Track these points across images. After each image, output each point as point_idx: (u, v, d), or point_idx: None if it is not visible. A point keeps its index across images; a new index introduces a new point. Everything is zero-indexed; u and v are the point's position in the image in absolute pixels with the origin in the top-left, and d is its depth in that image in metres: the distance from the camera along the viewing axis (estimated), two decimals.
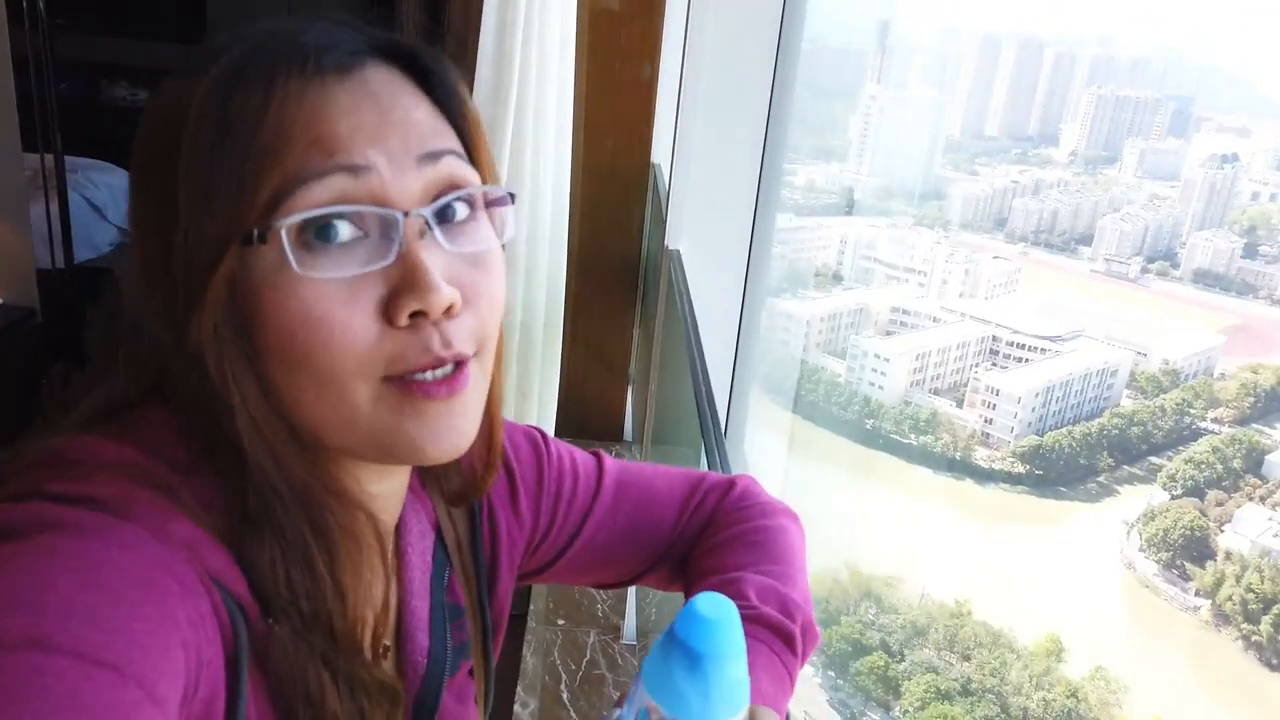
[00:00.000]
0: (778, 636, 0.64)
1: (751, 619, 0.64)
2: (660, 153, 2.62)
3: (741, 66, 1.81)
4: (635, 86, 2.59)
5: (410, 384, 0.49)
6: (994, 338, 10.26)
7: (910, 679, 9.02)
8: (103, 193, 3.94)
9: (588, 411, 2.81)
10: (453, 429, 0.51)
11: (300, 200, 0.47)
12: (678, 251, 1.87)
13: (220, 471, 0.49)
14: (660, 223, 2.10)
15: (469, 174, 0.52)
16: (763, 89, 1.80)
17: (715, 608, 0.48)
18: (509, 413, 2.31)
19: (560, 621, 2.07)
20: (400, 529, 0.64)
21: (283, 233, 0.46)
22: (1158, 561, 9.07)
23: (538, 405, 2.31)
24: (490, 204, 0.54)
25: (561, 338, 2.30)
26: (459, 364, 0.51)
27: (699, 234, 1.90)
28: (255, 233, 0.46)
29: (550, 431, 2.38)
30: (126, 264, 0.52)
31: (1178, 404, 9.91)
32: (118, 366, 0.52)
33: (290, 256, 0.46)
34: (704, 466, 1.34)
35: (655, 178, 2.61)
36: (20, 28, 3.08)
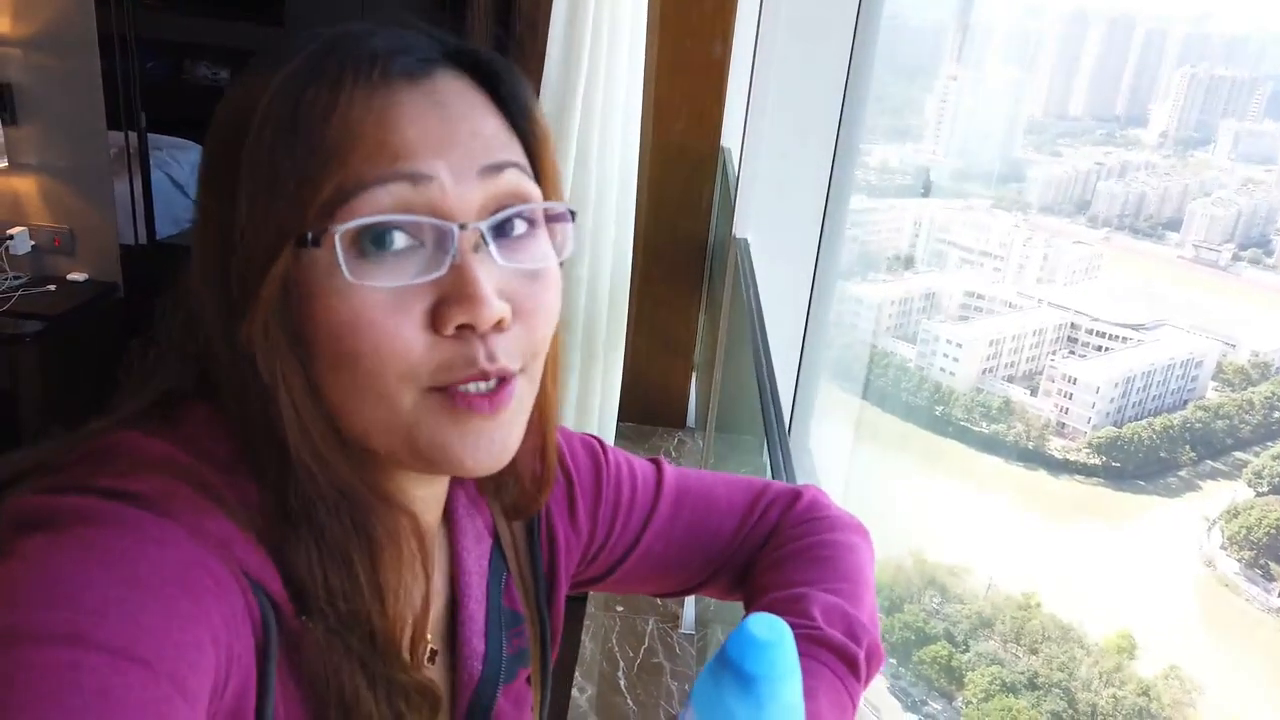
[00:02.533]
0: (841, 660, 0.62)
1: (815, 640, 0.62)
2: (730, 136, 2.58)
3: (817, 45, 1.76)
4: (706, 66, 2.55)
5: (454, 395, 0.49)
6: (1073, 325, 9.92)
7: (974, 670, 8.86)
8: (184, 170, 4.05)
9: (651, 397, 2.80)
10: (493, 442, 0.51)
11: (358, 205, 0.46)
12: (745, 240, 1.83)
13: (261, 470, 0.49)
14: (729, 208, 2.07)
15: (531, 189, 0.52)
16: (839, 69, 1.75)
17: (769, 629, 0.46)
18: (573, 397, 2.30)
19: (619, 608, 2.07)
20: (455, 532, 0.63)
21: (336, 238, 0.46)
22: (1239, 560, 8.73)
23: (601, 390, 2.30)
24: (551, 220, 0.53)
25: (626, 321, 2.29)
26: (503, 379, 0.50)
27: (769, 220, 1.86)
28: (309, 235, 0.46)
29: (613, 415, 2.37)
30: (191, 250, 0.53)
31: (1267, 398, 9.48)
32: (172, 356, 0.53)
33: (342, 263, 0.46)
34: (766, 455, 1.32)
35: (725, 161, 2.57)
36: (106, 6, 3.16)
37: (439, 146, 0.48)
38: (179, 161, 4.07)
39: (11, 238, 3.19)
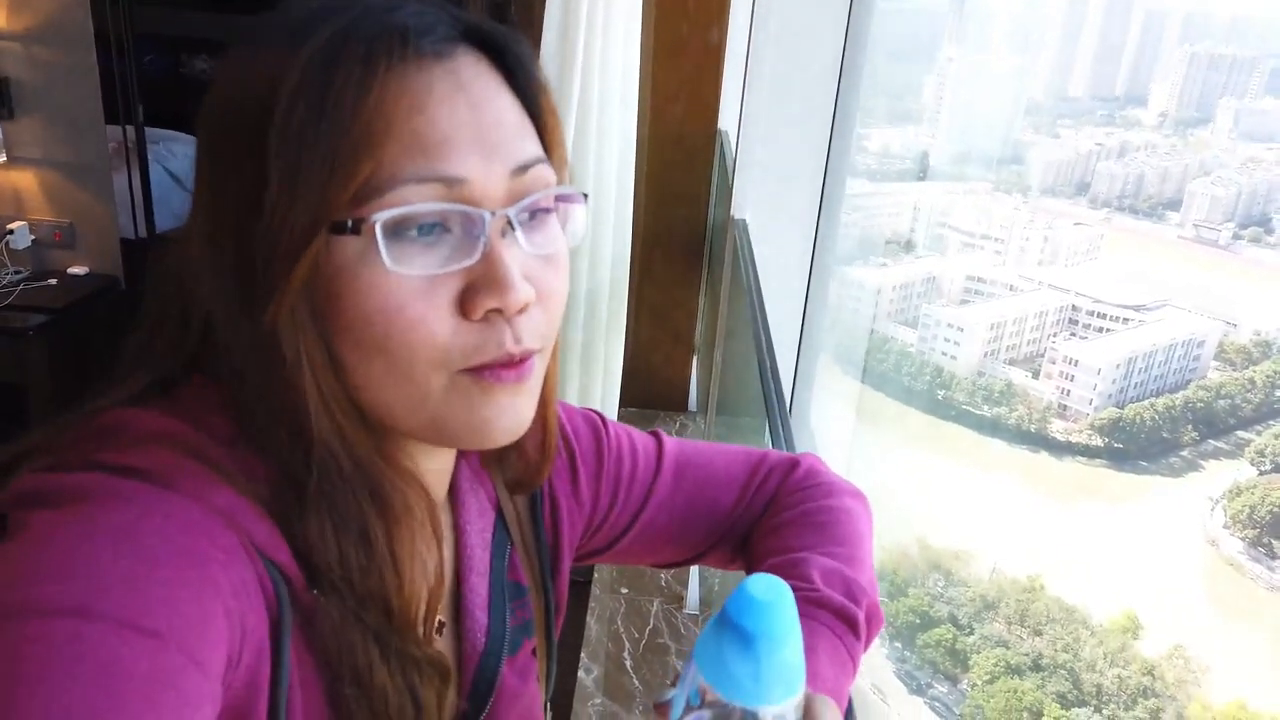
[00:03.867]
0: (841, 620, 0.63)
1: (815, 602, 0.62)
2: (727, 119, 2.58)
3: (812, 29, 1.76)
4: (703, 51, 2.54)
5: (482, 372, 0.50)
6: (1074, 307, 9.93)
7: (979, 653, 8.89)
8: (183, 163, 4.04)
9: (652, 381, 2.80)
10: (517, 410, 0.52)
11: (393, 197, 0.47)
12: (744, 221, 1.84)
13: (271, 446, 0.49)
14: (726, 190, 2.07)
15: (550, 177, 0.53)
16: (834, 52, 1.76)
17: (769, 589, 0.46)
18: (574, 382, 2.31)
19: (624, 590, 2.08)
20: (458, 506, 0.64)
21: (377, 226, 0.46)
22: (1243, 539, 8.75)
23: (603, 374, 2.31)
24: (559, 199, 0.54)
25: (626, 306, 2.29)
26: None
27: (766, 202, 1.86)
28: (349, 223, 0.46)
29: (615, 400, 2.38)
30: (185, 231, 0.52)
31: (1269, 376, 9.48)
32: (164, 337, 0.53)
33: (383, 250, 0.46)
34: (768, 438, 1.33)
35: (722, 144, 2.57)
36: (102, 0, 3.16)
37: (470, 144, 0.48)
38: (177, 155, 4.06)
39: (12, 232, 3.19)
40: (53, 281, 3.24)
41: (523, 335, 0.50)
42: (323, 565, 0.49)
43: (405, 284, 0.47)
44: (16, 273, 3.22)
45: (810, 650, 0.58)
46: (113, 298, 3.31)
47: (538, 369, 0.53)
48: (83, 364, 3.13)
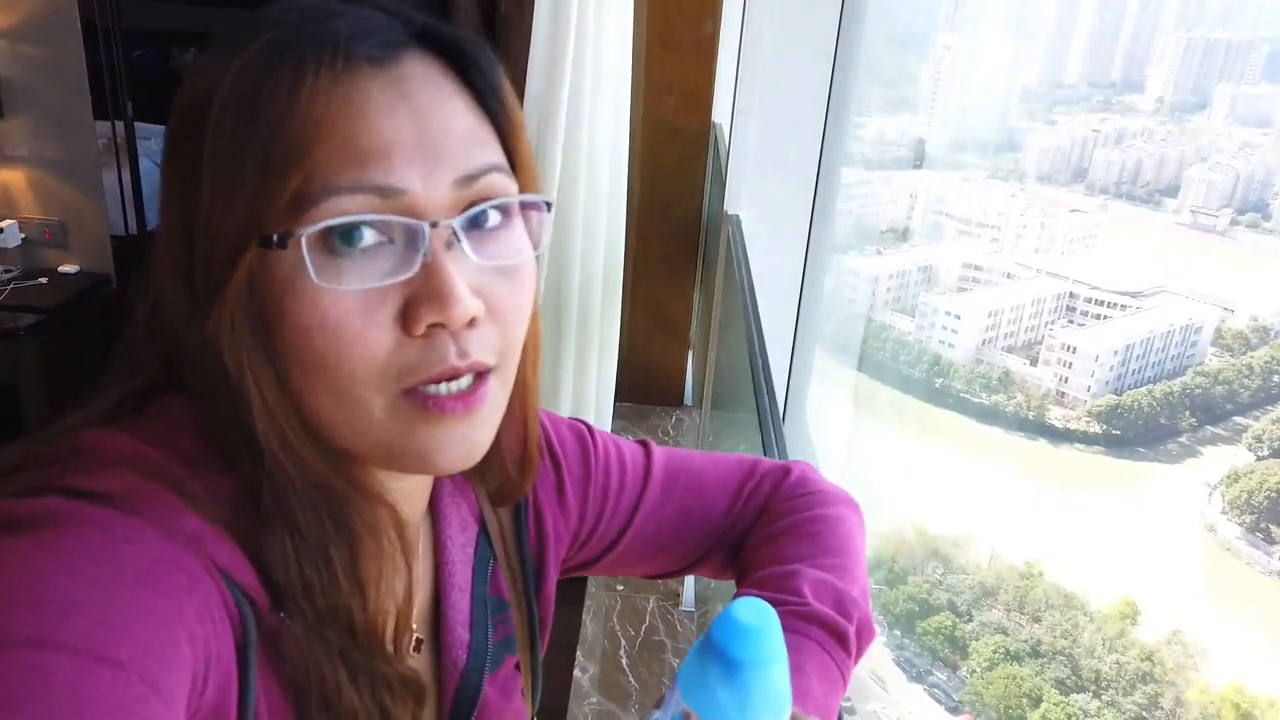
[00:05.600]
0: (831, 635, 0.61)
1: (805, 617, 0.61)
2: (721, 113, 2.57)
3: (807, 18, 1.74)
4: (696, 43, 2.53)
5: (426, 398, 0.48)
6: (1071, 294, 9.93)
7: (978, 639, 8.92)
8: None
9: (648, 375, 2.80)
10: (466, 441, 0.50)
11: (325, 209, 0.45)
12: (737, 217, 1.82)
13: (234, 464, 0.48)
14: (721, 184, 2.06)
15: (507, 185, 0.50)
16: (829, 40, 1.74)
17: (755, 614, 0.45)
18: (569, 377, 2.30)
19: (619, 587, 2.08)
20: (439, 520, 0.62)
21: (303, 241, 0.44)
22: (1241, 524, 8.77)
23: (597, 369, 2.29)
24: (525, 208, 0.52)
25: (621, 300, 2.28)
26: (478, 376, 0.49)
27: (761, 195, 1.85)
28: (275, 237, 0.45)
29: (610, 395, 2.37)
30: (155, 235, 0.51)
31: (1266, 362, 9.49)
32: (139, 346, 0.52)
33: (310, 266, 0.45)
34: (759, 433, 1.32)
35: (716, 137, 2.56)
36: None
37: (410, 153, 0.46)
38: None
39: (1, 230, 3.17)
40: (43, 280, 3.22)
41: (470, 349, 0.48)
42: (284, 584, 0.48)
43: (343, 299, 0.45)
44: (7, 271, 3.20)
45: (799, 668, 0.57)
46: (104, 295, 3.29)
47: (492, 396, 0.51)
48: (75, 363, 3.11)
